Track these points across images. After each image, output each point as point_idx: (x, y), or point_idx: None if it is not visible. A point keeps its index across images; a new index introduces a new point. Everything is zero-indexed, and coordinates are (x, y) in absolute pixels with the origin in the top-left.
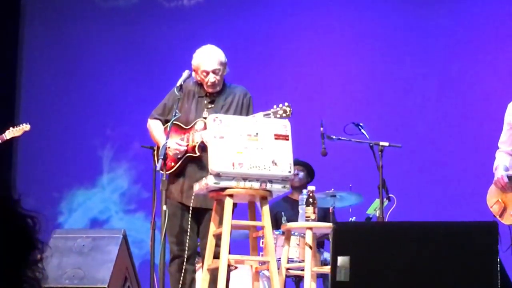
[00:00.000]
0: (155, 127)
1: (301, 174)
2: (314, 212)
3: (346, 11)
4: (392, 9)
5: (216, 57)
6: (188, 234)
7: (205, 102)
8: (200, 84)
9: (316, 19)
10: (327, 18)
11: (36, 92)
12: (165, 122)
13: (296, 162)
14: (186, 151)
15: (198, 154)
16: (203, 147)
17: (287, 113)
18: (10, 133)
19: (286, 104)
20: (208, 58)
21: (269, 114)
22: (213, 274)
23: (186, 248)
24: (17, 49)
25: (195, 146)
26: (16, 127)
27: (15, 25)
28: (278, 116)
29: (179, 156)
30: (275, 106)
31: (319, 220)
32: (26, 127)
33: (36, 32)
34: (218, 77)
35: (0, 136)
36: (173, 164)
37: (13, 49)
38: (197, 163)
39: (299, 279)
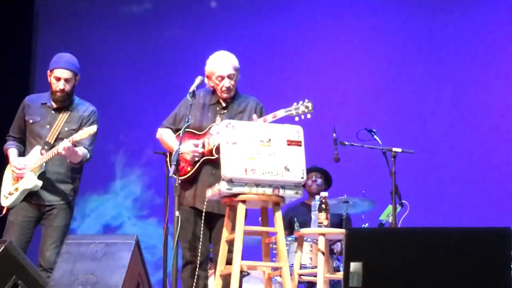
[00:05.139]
0: (166, 135)
1: (319, 180)
2: (326, 218)
3: (360, 18)
4: (406, 16)
5: (231, 62)
6: (201, 240)
7: (218, 108)
8: (211, 92)
9: (330, 25)
10: (341, 24)
11: None
12: (175, 131)
13: (315, 169)
14: (203, 154)
15: (215, 156)
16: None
17: (309, 109)
18: (78, 135)
19: (307, 100)
20: (223, 64)
21: (291, 110)
22: (226, 280)
23: (199, 254)
24: (31, 55)
25: (211, 149)
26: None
27: (29, 31)
28: (300, 112)
29: (196, 159)
30: (295, 103)
31: (332, 226)
32: (91, 129)
33: (49, 38)
34: (232, 82)
35: (70, 137)
36: (189, 168)
37: (27, 55)
38: (211, 168)
39: (311, 285)
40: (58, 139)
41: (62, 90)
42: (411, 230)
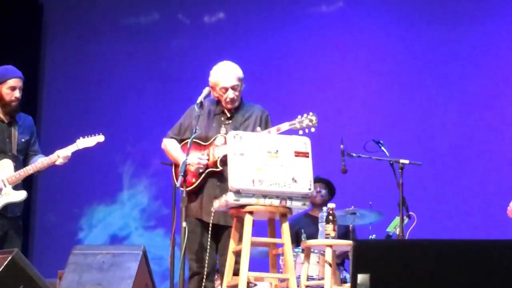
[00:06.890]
0: (171, 146)
1: (323, 191)
2: (334, 230)
3: (367, 30)
4: (413, 29)
5: (235, 73)
6: (207, 251)
7: (223, 118)
8: (216, 102)
9: (336, 37)
10: (347, 37)
11: (57, 108)
12: (180, 141)
13: (318, 180)
14: (208, 166)
15: (220, 168)
16: (224, 161)
17: (313, 122)
18: (82, 143)
19: (311, 113)
20: (227, 75)
21: (295, 123)
22: None
23: (206, 265)
24: (39, 66)
25: (216, 161)
26: (88, 136)
27: (37, 42)
28: (304, 125)
29: (201, 171)
30: (299, 116)
31: (339, 238)
32: (100, 138)
33: (58, 49)
34: (237, 93)
35: (71, 146)
36: (194, 180)
37: (35, 66)
38: (216, 179)
39: None
40: (18, 150)
41: (18, 99)
42: (419, 242)
